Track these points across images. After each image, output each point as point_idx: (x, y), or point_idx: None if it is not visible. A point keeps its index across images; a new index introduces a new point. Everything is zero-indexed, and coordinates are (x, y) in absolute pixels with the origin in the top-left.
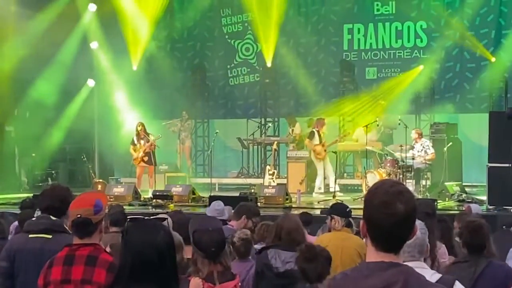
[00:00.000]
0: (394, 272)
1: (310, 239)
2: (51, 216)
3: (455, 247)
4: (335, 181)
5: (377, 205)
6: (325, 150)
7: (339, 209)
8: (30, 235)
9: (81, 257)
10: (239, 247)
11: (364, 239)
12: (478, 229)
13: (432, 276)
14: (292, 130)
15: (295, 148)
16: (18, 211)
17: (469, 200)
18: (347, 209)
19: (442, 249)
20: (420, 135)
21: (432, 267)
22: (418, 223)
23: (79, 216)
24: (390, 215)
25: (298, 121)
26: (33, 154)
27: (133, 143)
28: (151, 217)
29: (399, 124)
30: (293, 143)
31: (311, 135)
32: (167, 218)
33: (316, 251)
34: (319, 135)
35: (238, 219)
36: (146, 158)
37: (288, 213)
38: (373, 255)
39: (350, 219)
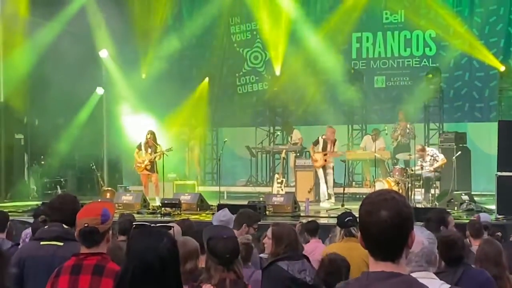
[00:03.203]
0: (395, 282)
1: (321, 247)
2: (63, 225)
3: (468, 256)
4: (343, 190)
5: (364, 214)
6: (325, 160)
7: (339, 219)
8: (42, 243)
9: (88, 266)
10: (240, 251)
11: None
12: (452, 244)
13: (441, 286)
14: (291, 137)
15: (297, 156)
16: (27, 218)
17: (478, 209)
18: (346, 219)
19: None
20: (423, 150)
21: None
22: (427, 233)
23: (86, 225)
24: (375, 223)
25: (304, 129)
26: (42, 162)
27: (139, 148)
28: (157, 225)
29: (408, 133)
30: (294, 150)
31: (315, 142)
32: (173, 226)
33: (338, 264)
34: (325, 143)
35: (239, 228)
36: (149, 166)
37: (280, 222)
38: (373, 265)
39: (353, 229)
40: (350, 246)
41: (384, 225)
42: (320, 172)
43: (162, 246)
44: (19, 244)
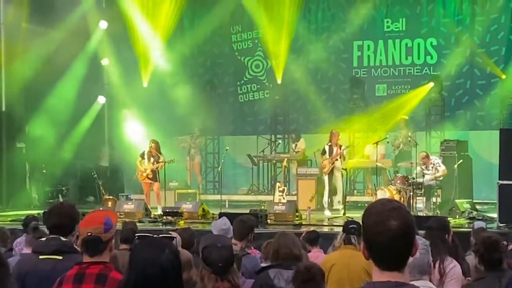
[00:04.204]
0: None
1: (320, 256)
2: (61, 237)
3: (463, 264)
4: (344, 199)
5: (371, 224)
6: (332, 163)
7: (344, 225)
8: (41, 257)
9: (91, 275)
10: None
11: (369, 260)
12: (495, 244)
13: None
14: (296, 145)
15: (298, 163)
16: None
17: (480, 218)
18: (349, 226)
19: (455, 268)
20: (427, 157)
21: (439, 283)
22: (421, 242)
23: (89, 234)
24: (385, 233)
25: (305, 137)
26: (44, 171)
27: (142, 156)
28: (160, 235)
29: (409, 141)
30: (295, 159)
31: (323, 151)
32: (176, 237)
33: (314, 271)
34: (331, 149)
35: (241, 239)
36: (150, 175)
37: (284, 231)
38: (378, 275)
39: (353, 237)
40: (350, 254)
41: (394, 235)
42: (326, 179)
43: (164, 257)
44: (12, 249)
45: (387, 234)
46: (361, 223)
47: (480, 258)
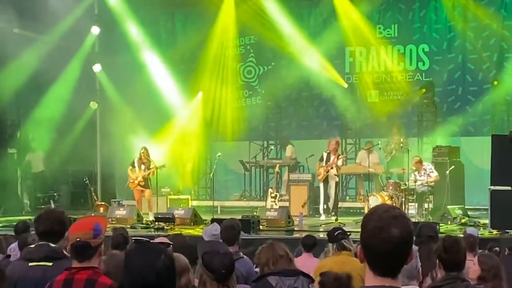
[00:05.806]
0: None
1: (312, 261)
2: (50, 243)
3: None
4: (336, 205)
5: (372, 230)
6: (327, 172)
7: (329, 235)
8: (30, 264)
9: (80, 280)
10: None
11: (363, 264)
12: (453, 245)
13: None
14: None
15: (290, 169)
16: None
17: (471, 224)
18: (336, 233)
19: None
20: (419, 162)
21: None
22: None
23: (78, 239)
24: (385, 240)
25: (298, 143)
26: (35, 177)
27: (132, 165)
28: (156, 240)
29: (402, 147)
30: (287, 165)
31: (320, 158)
32: (172, 244)
33: (342, 282)
34: (328, 156)
35: (232, 244)
36: (142, 183)
37: (273, 242)
38: (371, 279)
39: (345, 241)
40: (343, 260)
41: (394, 243)
42: (322, 186)
43: (159, 263)
44: (9, 255)
45: (386, 242)
46: (360, 227)
47: (438, 259)
